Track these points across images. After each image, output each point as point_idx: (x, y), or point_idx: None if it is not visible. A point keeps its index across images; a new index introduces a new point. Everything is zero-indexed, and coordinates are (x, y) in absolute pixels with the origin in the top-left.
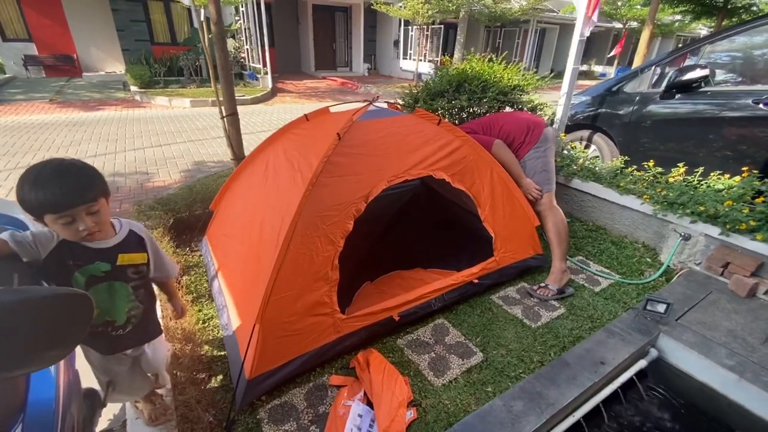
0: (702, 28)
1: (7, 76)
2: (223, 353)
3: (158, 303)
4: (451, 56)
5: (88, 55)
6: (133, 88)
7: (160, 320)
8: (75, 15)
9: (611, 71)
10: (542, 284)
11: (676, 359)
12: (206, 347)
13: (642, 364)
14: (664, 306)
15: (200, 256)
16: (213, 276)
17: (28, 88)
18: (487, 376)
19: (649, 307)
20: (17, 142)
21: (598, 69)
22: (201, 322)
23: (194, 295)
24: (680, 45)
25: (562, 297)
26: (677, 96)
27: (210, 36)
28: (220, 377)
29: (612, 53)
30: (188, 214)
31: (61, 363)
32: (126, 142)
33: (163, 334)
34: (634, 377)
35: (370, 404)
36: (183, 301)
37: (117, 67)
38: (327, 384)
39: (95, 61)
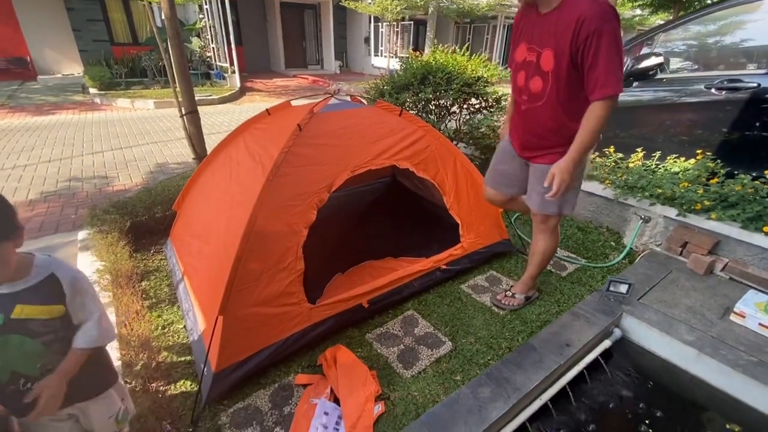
0: (660, 22)
1: None
2: (183, 359)
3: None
4: (423, 53)
5: (42, 58)
6: (93, 91)
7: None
8: (26, 14)
9: None
10: (508, 292)
11: (638, 338)
12: (165, 353)
13: (606, 344)
14: (626, 286)
15: (162, 259)
16: (179, 280)
17: None
18: (455, 365)
19: (612, 288)
20: None
21: None
22: (160, 327)
23: (153, 300)
24: None
25: (528, 302)
26: (635, 84)
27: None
28: (180, 383)
29: None
30: (147, 217)
31: None
32: (84, 145)
33: (118, 385)
34: (599, 357)
35: (337, 401)
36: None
37: (75, 69)
38: (293, 384)
39: (50, 63)
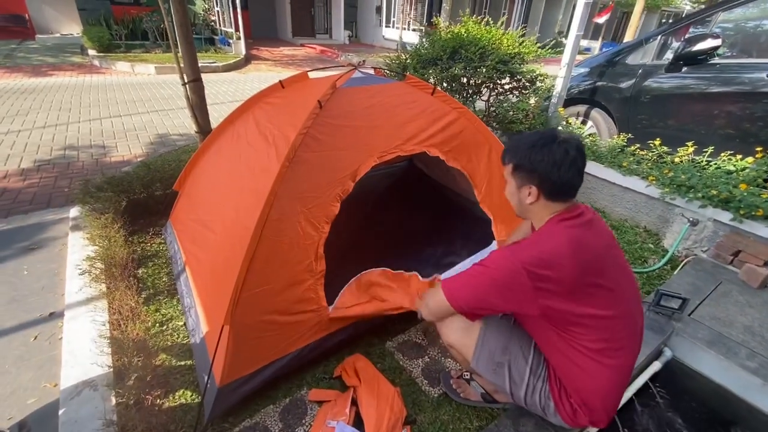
0: (686, 4)
1: None
2: (183, 363)
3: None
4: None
5: (41, 15)
6: (91, 52)
7: (104, 326)
8: None
9: (596, 45)
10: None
11: (690, 360)
12: (163, 356)
13: (656, 366)
14: (680, 302)
15: (161, 243)
16: (180, 270)
17: None
18: None
19: (663, 302)
20: None
21: (583, 43)
22: (158, 324)
23: (150, 291)
24: (663, 20)
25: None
26: (684, 68)
27: None
28: (179, 393)
29: (601, 20)
30: (146, 196)
31: None
32: (81, 111)
33: None
34: (648, 382)
35: (357, 421)
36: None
37: (74, 28)
38: (306, 399)
39: (49, 21)
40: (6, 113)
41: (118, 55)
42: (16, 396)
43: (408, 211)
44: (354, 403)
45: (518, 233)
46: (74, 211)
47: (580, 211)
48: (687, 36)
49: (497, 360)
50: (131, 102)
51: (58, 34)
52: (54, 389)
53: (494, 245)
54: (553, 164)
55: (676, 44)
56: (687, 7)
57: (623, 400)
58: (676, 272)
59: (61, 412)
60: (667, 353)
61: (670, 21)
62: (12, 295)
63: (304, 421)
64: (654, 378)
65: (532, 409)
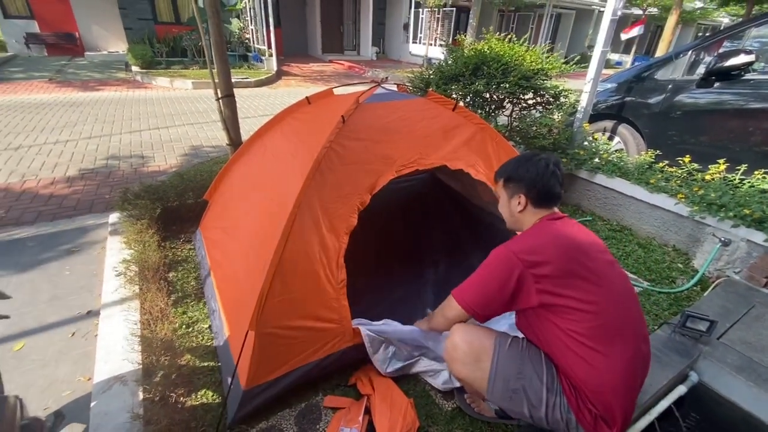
0: (724, 16)
1: (8, 54)
2: (206, 364)
3: None
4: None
5: (90, 34)
6: (135, 69)
7: (136, 326)
8: None
9: (628, 59)
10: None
11: (718, 385)
12: (187, 356)
13: (681, 390)
14: (707, 324)
15: (190, 249)
16: (206, 275)
17: (29, 67)
18: None
19: (689, 324)
20: (11, 122)
21: (614, 57)
22: (184, 326)
23: (179, 294)
24: (700, 34)
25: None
26: (717, 84)
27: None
28: (201, 393)
29: (630, 35)
30: (178, 204)
31: None
32: (123, 123)
33: None
34: (672, 406)
35: (370, 429)
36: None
37: (119, 46)
38: (321, 405)
39: (97, 39)
40: (56, 124)
41: (159, 71)
42: (53, 388)
43: (430, 223)
44: (367, 411)
45: None
46: (113, 217)
47: (563, 215)
48: (720, 51)
49: (512, 387)
50: (169, 115)
51: (105, 52)
52: (87, 383)
53: None
54: (536, 174)
55: (708, 59)
56: (725, 21)
57: (644, 423)
58: (706, 294)
59: (93, 404)
60: (693, 377)
61: (707, 35)
62: (54, 293)
63: (318, 426)
64: (678, 402)
65: (554, 427)
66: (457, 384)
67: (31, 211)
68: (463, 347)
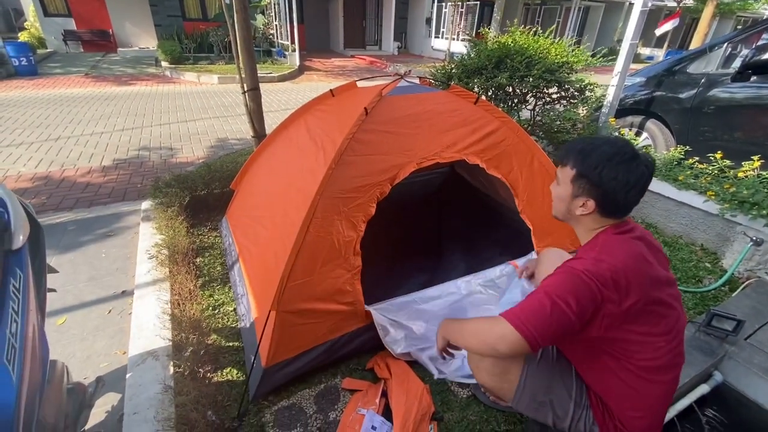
0: (766, 8)
1: (48, 50)
2: (230, 344)
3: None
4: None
5: (122, 31)
6: (164, 64)
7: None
8: None
9: (660, 54)
10: None
11: (743, 386)
12: (214, 336)
13: (704, 389)
14: (734, 323)
15: (216, 236)
16: (234, 261)
17: (67, 63)
18: None
19: (714, 323)
20: (51, 114)
21: (645, 51)
22: (211, 308)
23: (206, 278)
24: (739, 26)
25: None
26: (753, 78)
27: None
28: (226, 370)
29: (663, 29)
30: (206, 193)
31: (27, 360)
32: (153, 116)
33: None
34: (693, 404)
35: (385, 413)
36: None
37: (150, 42)
38: (339, 387)
39: (129, 36)
40: (92, 117)
41: (187, 66)
42: (92, 360)
43: (448, 217)
44: (384, 394)
45: (546, 264)
46: (145, 204)
47: (632, 226)
48: (758, 43)
49: (540, 400)
50: (196, 109)
51: (136, 48)
52: (123, 356)
53: (533, 255)
54: (625, 184)
55: (745, 52)
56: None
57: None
58: (734, 294)
59: (128, 375)
60: (717, 377)
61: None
62: (92, 275)
63: (336, 406)
64: (701, 401)
65: None
66: (469, 372)
67: (70, 198)
68: (490, 359)
